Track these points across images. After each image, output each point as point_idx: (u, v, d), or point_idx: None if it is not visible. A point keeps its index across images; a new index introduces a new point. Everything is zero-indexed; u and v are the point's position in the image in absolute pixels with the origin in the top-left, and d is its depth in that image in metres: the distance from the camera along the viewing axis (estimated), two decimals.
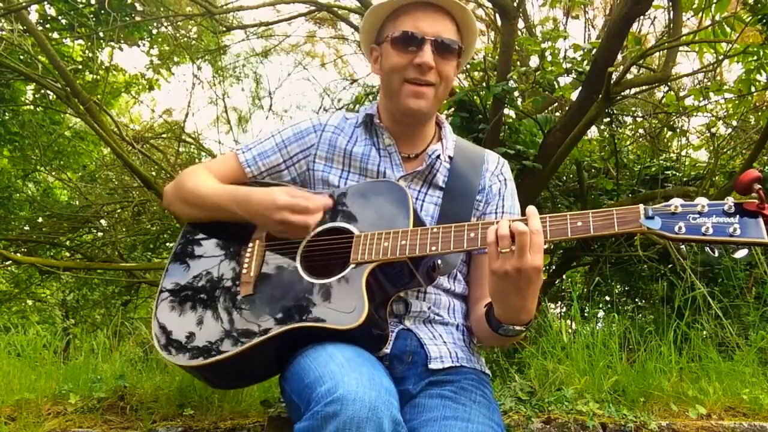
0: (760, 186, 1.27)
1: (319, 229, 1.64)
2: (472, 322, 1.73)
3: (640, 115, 6.32)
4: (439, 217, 1.72)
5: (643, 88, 5.00)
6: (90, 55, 6.74)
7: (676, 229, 1.31)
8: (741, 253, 1.30)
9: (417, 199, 1.74)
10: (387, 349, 1.58)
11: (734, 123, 5.31)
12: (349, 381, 1.24)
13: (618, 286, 5.39)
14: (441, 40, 1.66)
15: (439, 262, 1.62)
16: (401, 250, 1.51)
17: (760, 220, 1.27)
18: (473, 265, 1.78)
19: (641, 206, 1.36)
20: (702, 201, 1.33)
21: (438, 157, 1.76)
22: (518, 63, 5.19)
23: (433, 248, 1.49)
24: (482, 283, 1.69)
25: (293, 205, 1.55)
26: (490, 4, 5.52)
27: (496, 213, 1.80)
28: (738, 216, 1.29)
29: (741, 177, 1.30)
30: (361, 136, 1.80)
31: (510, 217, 1.76)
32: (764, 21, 3.58)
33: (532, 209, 1.41)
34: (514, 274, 1.37)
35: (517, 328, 1.49)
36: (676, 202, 1.34)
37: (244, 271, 1.63)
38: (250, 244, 1.67)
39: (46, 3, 6.22)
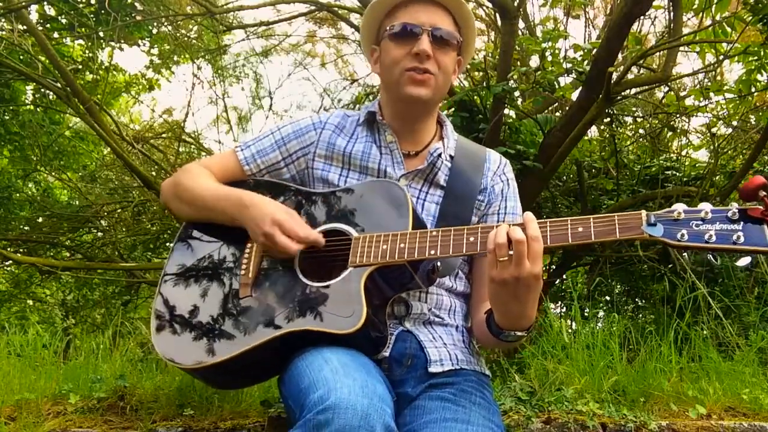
0: (766, 193, 1.25)
1: (318, 230, 1.62)
2: (474, 325, 1.72)
3: (641, 115, 6.32)
4: (438, 217, 1.71)
5: (644, 88, 5.00)
6: (90, 55, 6.74)
7: (679, 236, 1.29)
8: (744, 261, 1.28)
9: (417, 198, 1.73)
10: (386, 353, 1.58)
11: (734, 123, 5.30)
12: (342, 388, 1.23)
13: (618, 286, 5.39)
14: (438, 32, 1.67)
15: (439, 264, 1.61)
16: (400, 253, 1.50)
17: (764, 227, 1.25)
18: (475, 266, 1.77)
19: (643, 212, 1.33)
20: (706, 207, 1.30)
21: (440, 155, 1.75)
22: (518, 63, 5.18)
23: (432, 252, 1.48)
24: (483, 284, 1.68)
25: (286, 228, 1.55)
26: (490, 4, 5.52)
27: (498, 214, 1.78)
28: (742, 222, 1.27)
29: (746, 183, 1.27)
30: (361, 133, 1.79)
31: (512, 218, 1.73)
32: (765, 21, 3.57)
33: (529, 215, 1.39)
34: (512, 282, 1.36)
35: (518, 333, 1.49)
36: (680, 209, 1.32)
37: (242, 272, 1.62)
38: (248, 245, 1.66)
39: (46, 3, 6.22)
